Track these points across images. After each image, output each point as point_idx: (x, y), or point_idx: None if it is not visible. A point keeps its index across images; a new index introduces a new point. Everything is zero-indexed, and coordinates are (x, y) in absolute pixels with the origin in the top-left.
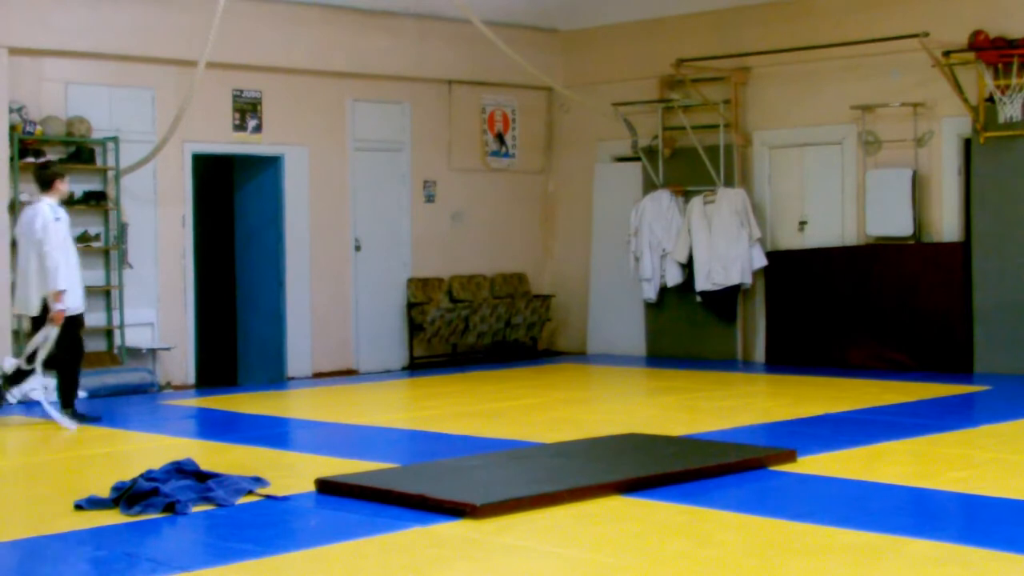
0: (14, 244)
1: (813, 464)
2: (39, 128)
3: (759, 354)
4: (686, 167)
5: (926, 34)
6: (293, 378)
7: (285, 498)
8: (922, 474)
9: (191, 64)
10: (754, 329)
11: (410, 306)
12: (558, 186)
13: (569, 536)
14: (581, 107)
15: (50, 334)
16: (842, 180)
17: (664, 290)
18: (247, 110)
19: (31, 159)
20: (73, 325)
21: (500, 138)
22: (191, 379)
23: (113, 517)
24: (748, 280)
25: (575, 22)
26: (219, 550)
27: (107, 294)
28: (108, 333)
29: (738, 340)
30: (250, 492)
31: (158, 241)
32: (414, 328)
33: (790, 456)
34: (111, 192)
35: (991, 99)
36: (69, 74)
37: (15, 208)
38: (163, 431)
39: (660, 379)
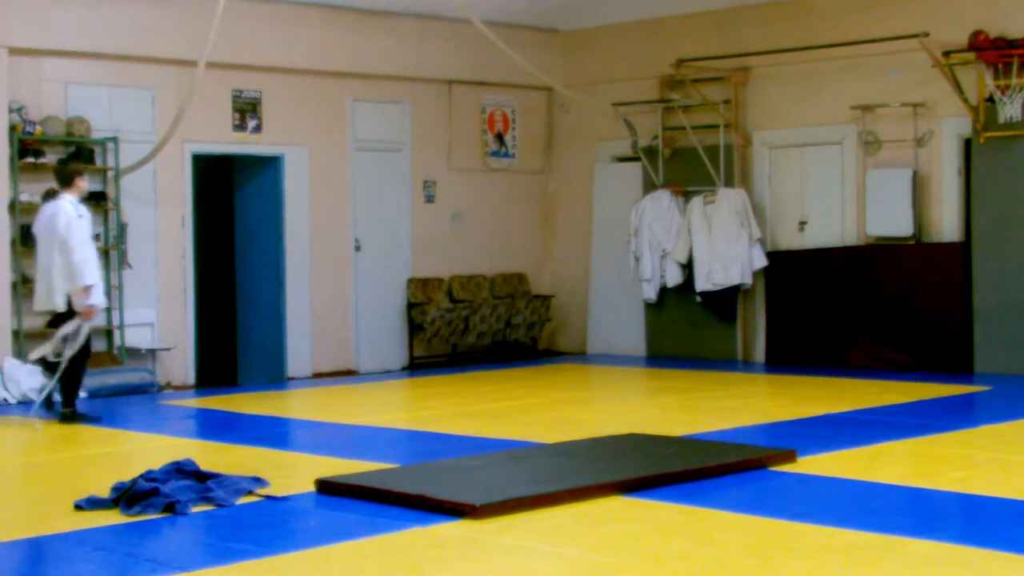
0: (18, 242)
1: (813, 464)
2: (39, 128)
3: (759, 354)
4: (686, 167)
5: (926, 34)
6: (293, 378)
7: (285, 498)
8: (922, 474)
9: (191, 64)
10: (754, 329)
11: (410, 306)
12: (558, 186)
13: (569, 536)
14: (581, 107)
15: (82, 328)
16: (842, 180)
17: (664, 290)
18: (247, 110)
19: (31, 159)
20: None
21: (500, 138)
22: (191, 379)
23: (113, 517)
24: (748, 280)
25: (575, 22)
26: (219, 550)
27: (107, 294)
28: (108, 333)
29: (738, 340)
30: (250, 492)
31: (158, 241)
32: (414, 328)
33: (790, 456)
34: (111, 192)
35: (991, 99)
36: (69, 74)
37: (15, 208)
38: (163, 431)
39: (660, 379)
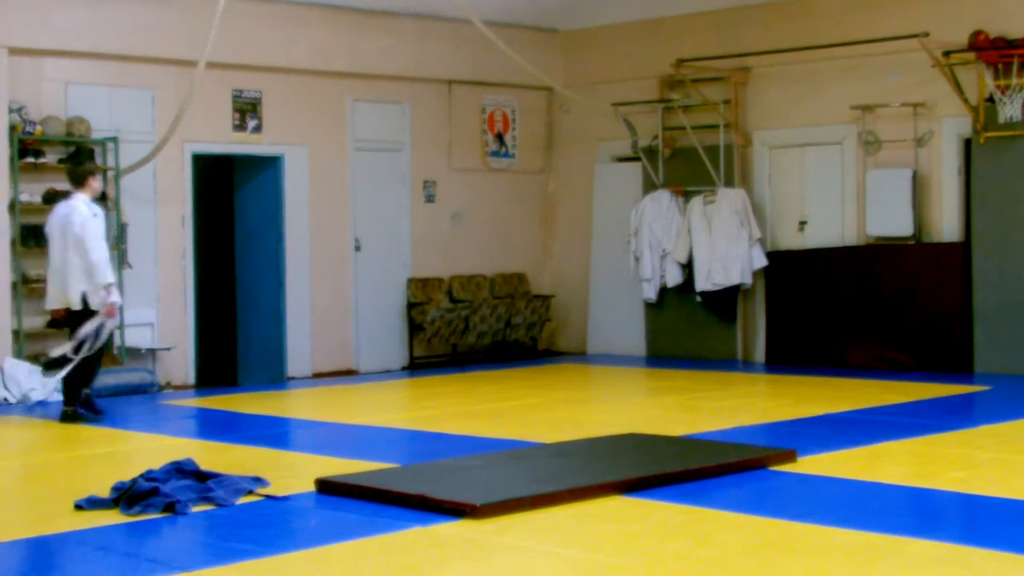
0: (18, 242)
1: (813, 464)
2: (39, 128)
3: (759, 354)
4: (686, 167)
5: (926, 34)
6: (293, 378)
7: (285, 498)
8: (922, 474)
9: (191, 64)
10: (754, 329)
11: (410, 306)
12: (558, 186)
13: (569, 536)
14: (581, 107)
15: (104, 326)
16: (842, 180)
17: (664, 290)
18: (247, 110)
19: (31, 159)
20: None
21: (500, 138)
22: (191, 379)
23: (113, 517)
24: (748, 280)
25: (575, 22)
26: (219, 550)
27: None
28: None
29: (738, 340)
30: (250, 492)
31: (158, 241)
32: (414, 328)
33: (790, 456)
34: (111, 192)
35: (991, 99)
36: (69, 74)
37: (15, 208)
38: (163, 431)
39: (660, 379)
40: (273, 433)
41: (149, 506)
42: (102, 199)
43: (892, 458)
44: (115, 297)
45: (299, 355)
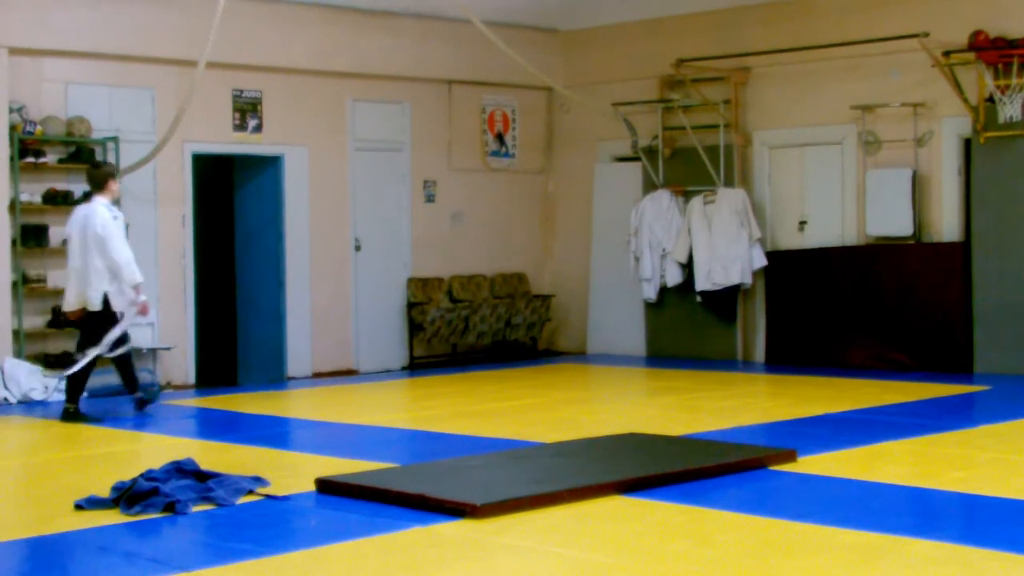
0: (19, 242)
1: (813, 464)
2: (39, 128)
3: (759, 354)
4: (686, 167)
5: (926, 34)
6: (293, 378)
7: (285, 498)
8: (922, 474)
9: (191, 64)
10: (754, 329)
11: (410, 306)
12: (558, 186)
13: (569, 536)
14: (581, 107)
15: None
16: (842, 180)
17: (664, 290)
18: (247, 110)
19: (31, 159)
20: (111, 321)
21: (500, 138)
22: (191, 379)
23: (113, 517)
24: (748, 280)
25: (575, 22)
26: (219, 550)
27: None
28: None
29: (738, 340)
30: (250, 492)
31: (158, 241)
32: (414, 328)
33: (790, 456)
34: None
35: (991, 99)
36: (69, 74)
37: (15, 208)
38: (163, 431)
39: (660, 379)
40: (273, 433)
41: (149, 506)
42: None
43: (892, 458)
44: (143, 295)
45: (299, 355)
